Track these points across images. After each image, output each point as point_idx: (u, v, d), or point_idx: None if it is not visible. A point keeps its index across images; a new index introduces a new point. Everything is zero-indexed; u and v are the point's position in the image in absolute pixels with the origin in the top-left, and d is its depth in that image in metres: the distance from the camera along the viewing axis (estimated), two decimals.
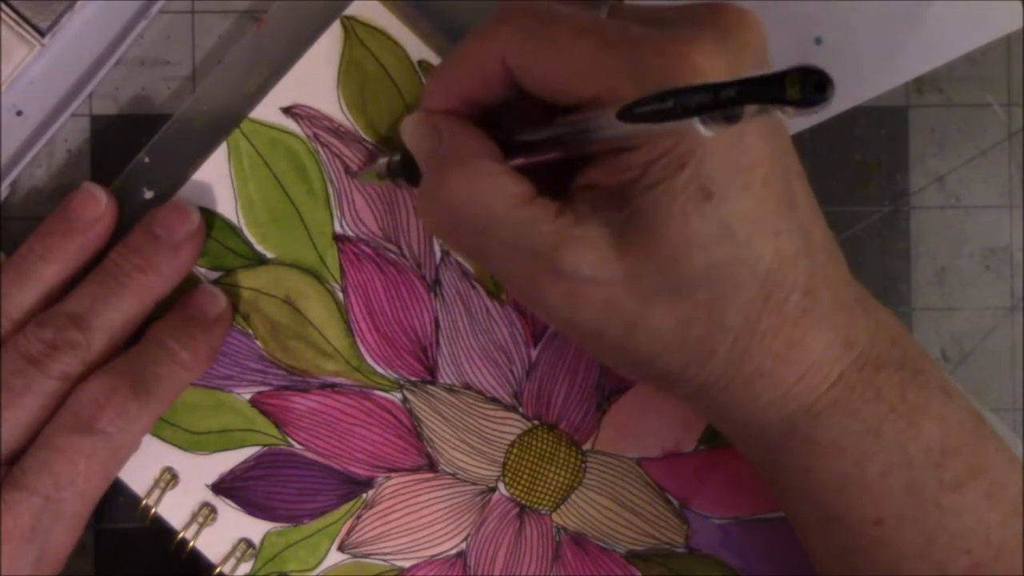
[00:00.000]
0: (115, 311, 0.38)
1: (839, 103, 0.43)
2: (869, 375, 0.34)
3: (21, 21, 0.40)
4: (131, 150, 0.41)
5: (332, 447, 0.42)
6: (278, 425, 0.41)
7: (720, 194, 0.32)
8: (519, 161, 0.35)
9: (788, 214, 0.33)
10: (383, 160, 0.40)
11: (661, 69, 0.31)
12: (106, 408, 0.37)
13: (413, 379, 0.42)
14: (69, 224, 0.39)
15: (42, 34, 0.40)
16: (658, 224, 0.32)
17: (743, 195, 0.32)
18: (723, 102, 0.26)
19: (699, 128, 0.27)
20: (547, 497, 0.42)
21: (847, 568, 0.37)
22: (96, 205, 0.39)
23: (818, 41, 0.43)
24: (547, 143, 0.34)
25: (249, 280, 0.41)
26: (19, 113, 0.41)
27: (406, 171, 0.38)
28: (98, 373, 0.38)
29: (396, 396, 0.42)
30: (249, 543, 0.42)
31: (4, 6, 0.40)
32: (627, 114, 0.29)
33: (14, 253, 0.39)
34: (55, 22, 0.40)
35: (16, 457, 0.37)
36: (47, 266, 0.39)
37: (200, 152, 0.41)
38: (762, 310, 0.33)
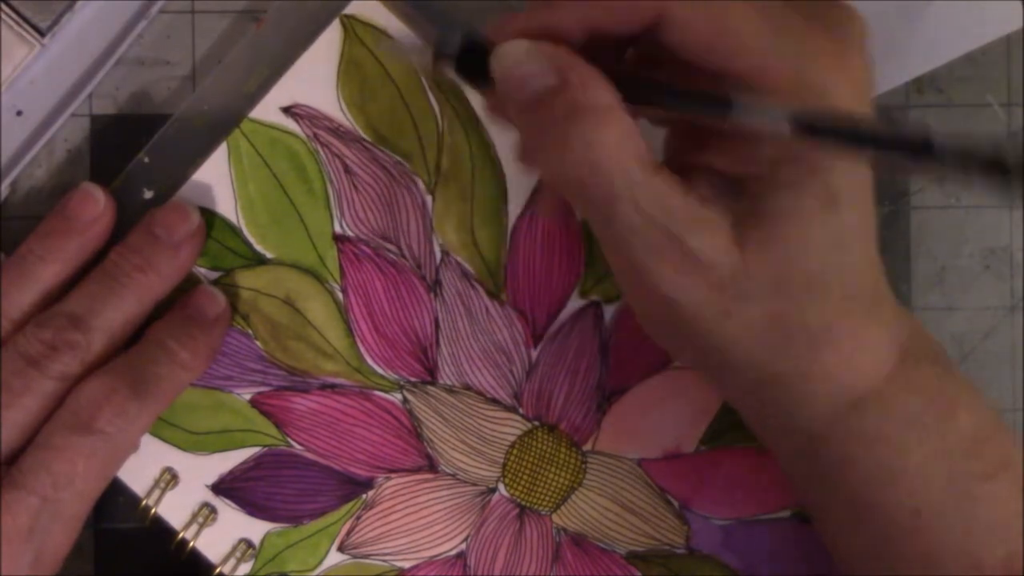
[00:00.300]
0: (115, 311, 0.38)
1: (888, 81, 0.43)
2: (911, 368, 0.35)
3: (21, 21, 0.40)
4: (131, 150, 0.41)
5: (332, 447, 0.42)
6: (278, 425, 0.41)
7: (843, 204, 0.33)
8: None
9: (873, 223, 0.35)
10: (421, 42, 0.37)
11: (823, 86, 0.32)
12: (105, 408, 0.37)
13: (413, 380, 0.42)
14: (68, 224, 0.39)
15: (42, 34, 0.40)
16: (782, 225, 0.33)
17: (856, 208, 0.33)
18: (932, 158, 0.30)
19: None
20: (547, 498, 0.42)
21: (879, 563, 0.37)
22: (95, 205, 0.39)
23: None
24: (677, 100, 0.33)
25: (249, 280, 0.41)
26: (19, 113, 0.41)
27: (467, 66, 0.33)
28: (97, 373, 0.38)
29: (396, 397, 0.42)
30: (249, 543, 0.42)
31: (4, 6, 0.40)
32: (803, 127, 0.31)
33: (13, 253, 0.39)
34: (55, 22, 0.40)
35: (15, 456, 0.37)
36: (46, 266, 0.39)
37: (200, 152, 0.41)
38: (840, 313, 0.34)
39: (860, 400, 0.35)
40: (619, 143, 0.32)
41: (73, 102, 0.41)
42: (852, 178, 0.33)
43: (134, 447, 0.39)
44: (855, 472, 0.36)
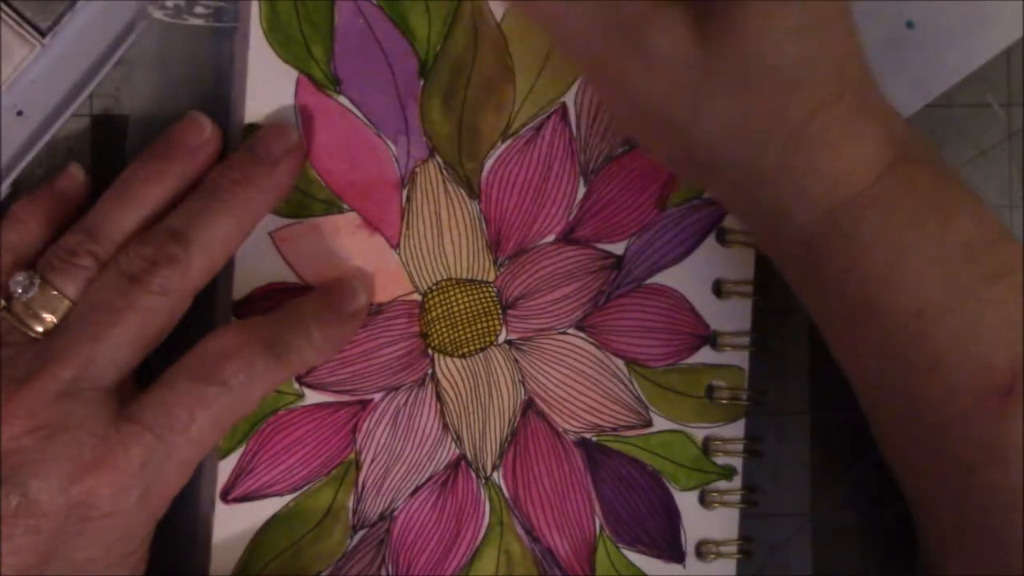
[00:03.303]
0: (214, 226, 0.38)
1: (942, 82, 0.44)
2: (908, 170, 0.36)
3: (21, 21, 0.40)
4: (131, 150, 0.41)
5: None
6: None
7: None
8: None
9: (846, 17, 0.35)
10: None
11: None
12: (233, 360, 0.37)
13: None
14: (172, 149, 0.39)
15: (42, 34, 0.40)
16: (741, 15, 0.34)
17: None
18: None
19: None
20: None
21: (886, 369, 0.38)
22: (200, 131, 0.39)
23: (910, 25, 0.43)
24: None
25: None
26: (19, 113, 0.41)
27: None
28: (232, 324, 0.38)
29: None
30: None
31: (4, 6, 0.40)
32: None
33: (116, 178, 0.39)
34: (55, 22, 0.40)
35: (127, 377, 0.38)
36: (148, 188, 0.38)
37: None
38: (820, 105, 0.35)
39: (856, 199, 0.35)
40: None
41: (73, 102, 0.41)
42: None
43: (252, 406, 0.38)
44: (855, 275, 0.36)
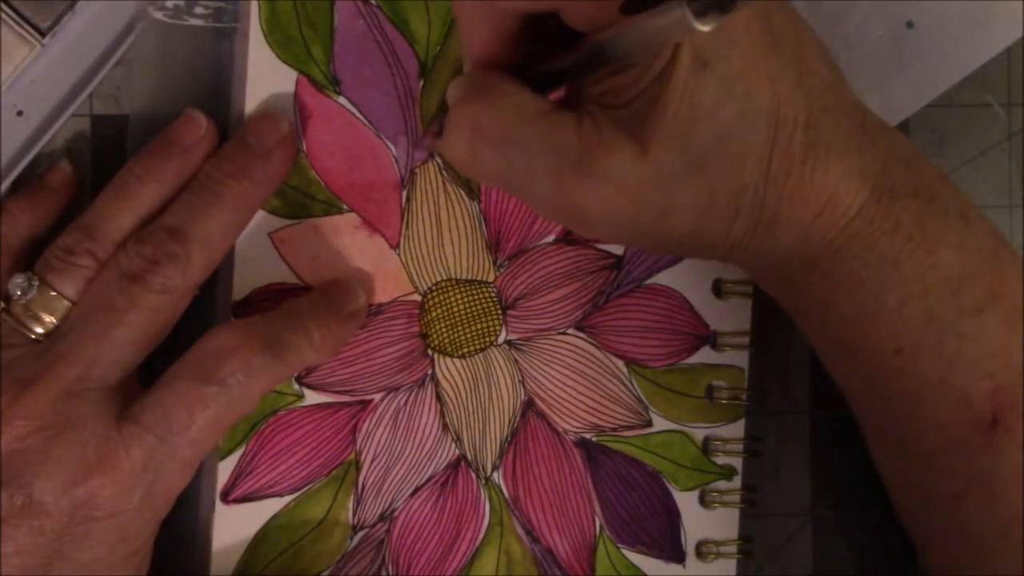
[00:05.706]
0: (212, 221, 0.38)
1: (942, 82, 0.44)
2: (886, 206, 0.35)
3: (21, 21, 0.40)
4: (131, 150, 0.41)
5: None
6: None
7: (713, 59, 0.33)
8: (553, 95, 0.36)
9: (775, 53, 0.34)
10: (434, 124, 0.40)
11: None
12: (231, 359, 0.37)
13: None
14: (169, 147, 0.39)
15: (42, 34, 0.40)
16: (667, 108, 0.33)
17: (732, 51, 0.33)
18: None
19: (692, 20, 0.27)
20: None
21: (872, 397, 0.38)
22: (196, 129, 0.39)
23: (910, 25, 0.43)
24: (570, 70, 0.35)
25: None
26: (19, 113, 0.41)
27: None
28: (231, 324, 0.38)
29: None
30: None
31: (4, 6, 0.40)
32: (628, 8, 0.31)
33: (114, 175, 0.39)
34: (55, 22, 0.40)
35: (130, 375, 0.38)
36: (145, 187, 0.39)
37: None
38: (771, 156, 0.34)
39: (831, 242, 0.35)
40: (495, 103, 0.34)
41: (73, 102, 0.41)
42: (718, 31, 0.32)
43: (252, 405, 0.39)
44: (834, 315, 0.36)
